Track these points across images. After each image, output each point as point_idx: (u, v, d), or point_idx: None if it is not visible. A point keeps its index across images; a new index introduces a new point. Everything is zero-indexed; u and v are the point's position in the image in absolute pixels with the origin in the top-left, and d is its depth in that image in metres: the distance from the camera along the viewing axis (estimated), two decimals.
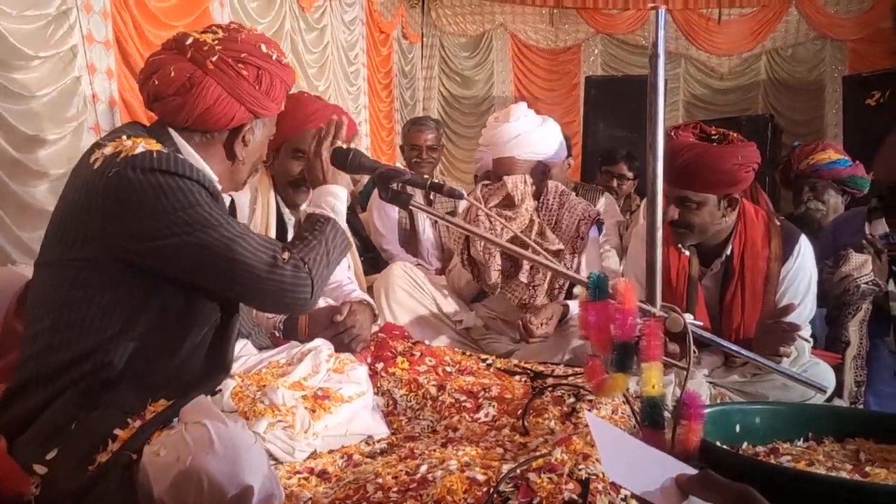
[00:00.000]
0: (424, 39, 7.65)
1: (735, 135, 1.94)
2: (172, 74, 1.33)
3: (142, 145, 1.27)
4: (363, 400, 1.59)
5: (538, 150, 2.45)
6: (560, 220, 2.51)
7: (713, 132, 1.93)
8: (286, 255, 1.31)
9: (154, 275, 1.27)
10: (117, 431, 1.17)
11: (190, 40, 1.36)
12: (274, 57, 1.41)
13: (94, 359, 1.25)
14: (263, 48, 1.40)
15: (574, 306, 2.33)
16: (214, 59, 1.34)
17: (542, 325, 2.22)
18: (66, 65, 2.54)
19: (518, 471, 1.26)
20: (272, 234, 2.01)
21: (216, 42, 1.36)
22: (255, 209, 2.01)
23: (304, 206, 1.92)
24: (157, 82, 1.35)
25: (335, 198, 1.53)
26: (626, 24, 7.43)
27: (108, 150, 1.27)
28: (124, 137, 1.30)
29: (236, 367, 1.56)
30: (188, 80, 1.33)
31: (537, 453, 1.36)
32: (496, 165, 2.50)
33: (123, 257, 1.25)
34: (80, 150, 2.47)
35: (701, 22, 7.31)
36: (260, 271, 1.28)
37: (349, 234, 2.19)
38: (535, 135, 2.46)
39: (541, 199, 2.52)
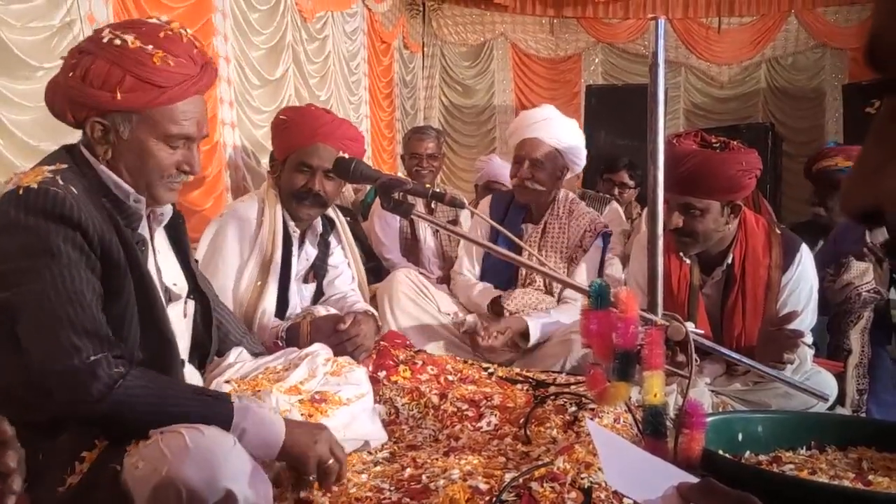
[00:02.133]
0: (425, 49, 7.69)
1: (736, 142, 1.95)
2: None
3: (13, 183, 1.21)
4: (362, 402, 1.58)
5: (562, 137, 2.49)
6: (567, 228, 2.53)
7: (714, 140, 1.94)
8: (96, 357, 1.13)
9: None
10: (84, 454, 1.17)
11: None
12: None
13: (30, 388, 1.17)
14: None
15: (534, 325, 2.35)
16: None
17: (491, 337, 2.24)
18: None
19: (520, 480, 1.26)
20: (278, 246, 2.01)
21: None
22: (263, 221, 2.02)
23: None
24: None
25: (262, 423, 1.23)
26: (627, 33, 7.46)
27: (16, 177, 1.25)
28: (18, 174, 1.27)
29: (231, 373, 1.55)
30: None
31: (540, 462, 1.36)
32: (518, 148, 2.52)
33: None
34: None
35: (701, 31, 7.34)
36: (54, 356, 1.12)
37: (349, 251, 2.20)
38: (561, 122, 2.54)
39: (551, 208, 2.54)
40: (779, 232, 2.02)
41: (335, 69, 5.21)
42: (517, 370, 2.05)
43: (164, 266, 1.42)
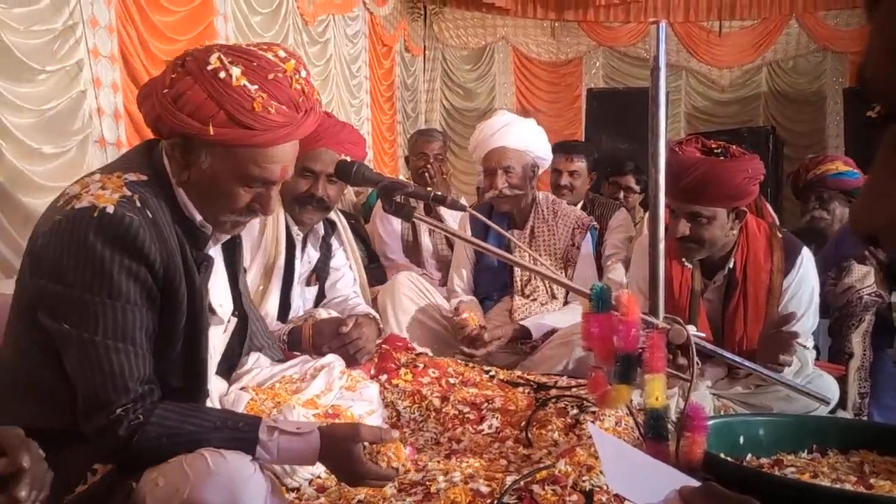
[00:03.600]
0: (427, 52, 7.70)
1: (735, 147, 1.96)
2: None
3: (91, 195, 1.16)
4: (372, 419, 1.58)
5: (526, 141, 2.52)
6: (555, 228, 2.54)
7: (714, 145, 1.94)
8: (122, 411, 1.13)
9: None
10: (97, 466, 1.17)
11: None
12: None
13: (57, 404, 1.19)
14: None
15: (535, 329, 2.35)
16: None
17: (486, 345, 2.24)
18: (72, 79, 2.56)
19: (522, 483, 1.26)
20: (282, 250, 2.01)
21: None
22: (266, 225, 2.02)
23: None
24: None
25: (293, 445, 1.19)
26: (628, 36, 7.47)
27: (74, 188, 1.20)
28: (96, 177, 1.21)
29: (248, 380, 1.55)
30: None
31: (541, 465, 1.36)
32: (487, 161, 2.53)
33: (33, 307, 1.19)
34: (84, 162, 2.50)
35: (702, 34, 7.35)
36: (90, 404, 1.14)
37: (350, 252, 2.20)
38: (520, 126, 2.56)
39: (534, 210, 2.55)
40: (780, 236, 2.03)
41: (336, 72, 5.22)
42: (518, 373, 2.05)
43: (214, 286, 1.38)
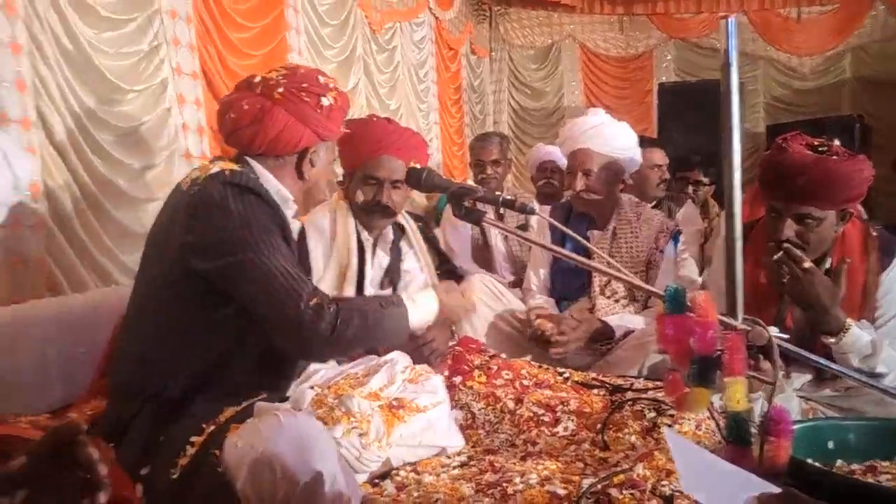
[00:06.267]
0: (493, 53, 7.70)
1: (836, 144, 1.86)
2: (246, 107, 1.49)
3: (219, 165, 1.43)
4: (439, 410, 1.60)
5: (614, 144, 2.46)
6: (638, 231, 2.48)
7: (817, 143, 1.85)
8: (314, 301, 1.33)
9: (222, 292, 1.36)
10: (193, 439, 1.27)
11: (258, 79, 1.55)
12: (331, 85, 1.57)
13: (174, 374, 1.36)
14: (321, 79, 1.57)
15: (618, 328, 2.31)
16: (280, 90, 1.50)
17: (563, 343, 2.20)
18: (158, 97, 2.70)
19: (599, 486, 1.25)
20: (353, 255, 2.07)
21: (281, 77, 1.53)
22: (336, 231, 2.08)
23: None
24: (233, 116, 1.51)
25: (429, 302, 1.57)
26: (700, 27, 7.25)
27: (195, 174, 1.45)
28: (209, 163, 1.46)
29: (315, 380, 1.61)
30: (259, 110, 1.49)
31: (618, 468, 1.34)
32: (570, 160, 2.51)
33: (193, 273, 1.35)
34: (173, 176, 2.62)
35: (779, 22, 7.05)
36: (285, 307, 1.31)
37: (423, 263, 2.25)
38: (611, 129, 2.49)
39: (616, 212, 2.51)
40: (875, 234, 1.93)
41: (404, 78, 5.29)
42: (593, 375, 2.03)
43: None
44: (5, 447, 1.45)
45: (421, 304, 1.53)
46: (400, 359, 1.70)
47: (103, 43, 2.43)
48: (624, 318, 2.38)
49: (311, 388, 1.55)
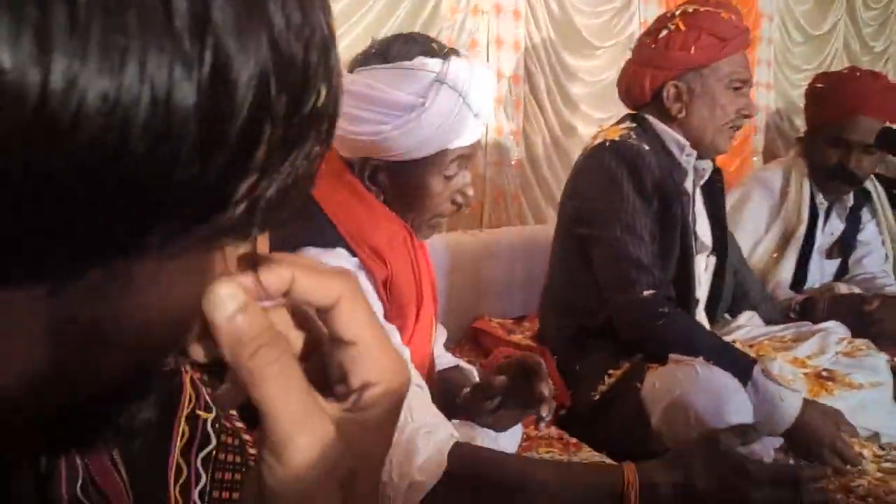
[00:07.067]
0: None
1: None
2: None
3: (603, 134, 1.51)
4: (878, 391, 1.47)
5: None
6: None
7: None
8: (649, 293, 1.35)
9: None
10: (611, 371, 1.41)
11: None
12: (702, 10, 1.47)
13: (590, 315, 1.50)
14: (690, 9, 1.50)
15: None
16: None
17: None
18: (622, 52, 2.89)
19: None
20: (804, 219, 1.96)
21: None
22: (788, 192, 1.99)
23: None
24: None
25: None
26: None
27: (598, 136, 1.54)
28: (606, 126, 1.57)
29: (739, 335, 1.62)
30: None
31: None
32: None
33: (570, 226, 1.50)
34: None
35: None
36: (618, 292, 1.38)
37: None
38: None
39: None
40: None
41: None
42: None
43: (697, 219, 1.58)
44: (482, 338, 1.88)
45: (769, 398, 1.27)
46: (836, 328, 1.59)
47: (581, 3, 2.71)
48: None
49: (733, 342, 1.57)
